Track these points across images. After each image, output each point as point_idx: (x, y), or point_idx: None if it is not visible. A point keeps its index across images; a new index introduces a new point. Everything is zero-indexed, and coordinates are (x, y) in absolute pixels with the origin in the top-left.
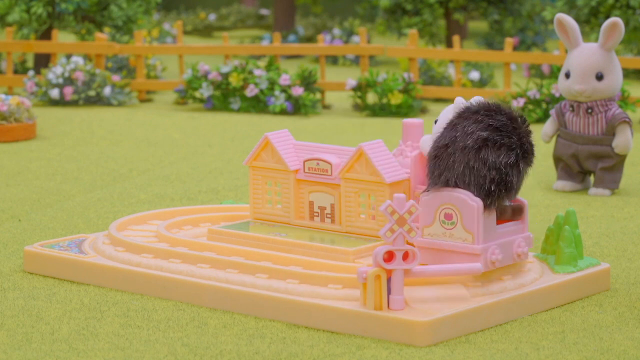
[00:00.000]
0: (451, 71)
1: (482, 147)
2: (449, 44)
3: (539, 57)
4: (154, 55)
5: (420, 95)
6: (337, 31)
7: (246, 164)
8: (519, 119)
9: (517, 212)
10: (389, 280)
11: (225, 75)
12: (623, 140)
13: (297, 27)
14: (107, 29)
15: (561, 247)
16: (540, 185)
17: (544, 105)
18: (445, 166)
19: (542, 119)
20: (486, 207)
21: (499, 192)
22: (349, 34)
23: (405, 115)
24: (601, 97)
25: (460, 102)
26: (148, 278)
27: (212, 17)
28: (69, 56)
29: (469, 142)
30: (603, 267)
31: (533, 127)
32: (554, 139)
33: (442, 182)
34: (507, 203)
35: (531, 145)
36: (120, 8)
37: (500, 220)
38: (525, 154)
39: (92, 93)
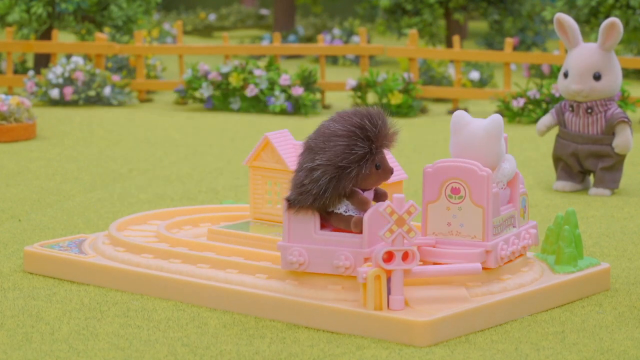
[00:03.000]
0: (451, 71)
1: None
2: (449, 44)
3: (539, 57)
4: (154, 55)
5: (420, 95)
6: (337, 31)
7: (246, 164)
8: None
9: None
10: (388, 280)
11: (225, 75)
12: (623, 140)
13: (297, 27)
14: (107, 29)
15: (561, 247)
16: (540, 185)
17: (544, 105)
18: None
19: None
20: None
21: None
22: (349, 34)
23: (405, 115)
24: (599, 97)
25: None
26: (148, 278)
27: (212, 17)
28: (69, 56)
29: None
30: (603, 267)
31: (533, 128)
32: (554, 139)
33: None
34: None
35: None
36: (120, 8)
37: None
38: None
39: (92, 93)
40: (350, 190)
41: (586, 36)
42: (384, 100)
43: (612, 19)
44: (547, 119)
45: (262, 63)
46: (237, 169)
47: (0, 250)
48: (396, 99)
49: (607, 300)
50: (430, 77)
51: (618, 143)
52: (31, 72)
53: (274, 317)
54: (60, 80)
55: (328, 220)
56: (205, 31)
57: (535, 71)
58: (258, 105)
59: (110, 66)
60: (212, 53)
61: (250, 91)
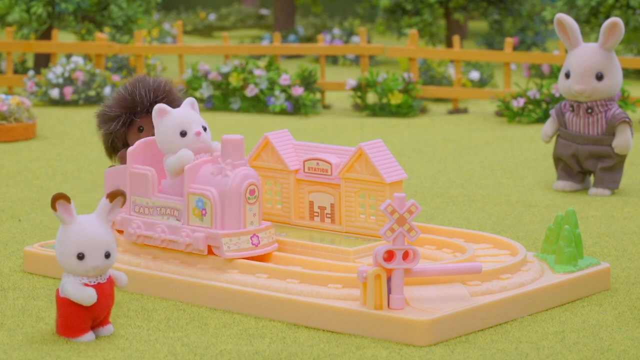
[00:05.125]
0: (451, 71)
1: None
2: (449, 44)
3: (539, 57)
4: (154, 55)
5: (420, 95)
6: (337, 31)
7: None
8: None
9: None
10: (389, 279)
11: (225, 75)
12: (623, 140)
13: (297, 27)
14: (107, 29)
15: (561, 246)
16: (540, 185)
17: (544, 105)
18: None
19: (542, 119)
20: None
21: None
22: (349, 34)
23: (405, 115)
24: (601, 97)
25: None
26: (148, 278)
27: (212, 17)
28: (69, 56)
29: None
30: (603, 267)
31: (533, 127)
32: (554, 139)
33: None
34: None
35: None
36: (120, 8)
37: None
38: None
39: (92, 93)
40: (118, 146)
41: (586, 36)
42: (384, 100)
43: (613, 18)
44: (548, 127)
45: (262, 63)
46: None
47: (0, 250)
48: (396, 99)
49: (607, 300)
50: (430, 77)
51: (618, 143)
52: (31, 72)
53: (274, 317)
54: (60, 80)
55: None
56: (205, 31)
57: (535, 71)
58: (258, 105)
59: (110, 66)
60: (212, 53)
61: (250, 91)
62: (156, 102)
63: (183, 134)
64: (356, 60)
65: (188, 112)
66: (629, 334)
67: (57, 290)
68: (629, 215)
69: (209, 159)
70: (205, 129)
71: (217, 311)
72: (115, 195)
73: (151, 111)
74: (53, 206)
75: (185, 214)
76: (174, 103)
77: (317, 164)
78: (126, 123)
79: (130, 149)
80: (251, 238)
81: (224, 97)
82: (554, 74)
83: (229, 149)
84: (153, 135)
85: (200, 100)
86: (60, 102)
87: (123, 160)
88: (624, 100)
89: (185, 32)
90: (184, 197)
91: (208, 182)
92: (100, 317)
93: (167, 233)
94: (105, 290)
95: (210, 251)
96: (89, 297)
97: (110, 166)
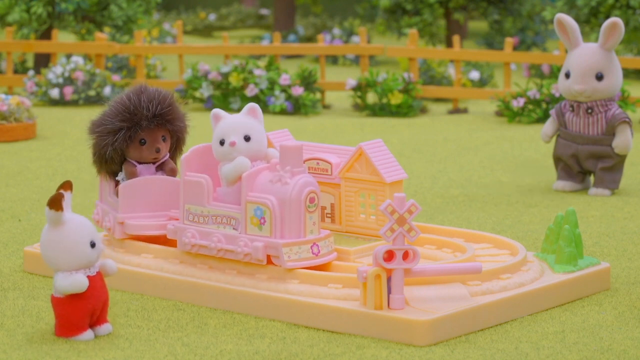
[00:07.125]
0: (451, 71)
1: None
2: (449, 44)
3: (539, 57)
4: (154, 55)
5: (420, 95)
6: (337, 31)
7: None
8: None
9: None
10: (389, 279)
11: (225, 75)
12: (623, 140)
13: (297, 27)
14: (107, 29)
15: (561, 246)
16: (540, 185)
17: (544, 105)
18: None
19: (542, 119)
20: None
21: None
22: (349, 34)
23: (405, 115)
24: (601, 97)
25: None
26: (148, 278)
27: (212, 17)
28: (69, 56)
29: None
30: (603, 267)
31: (533, 127)
32: (554, 139)
33: None
34: None
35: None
36: (120, 8)
37: None
38: None
39: (92, 93)
40: (121, 160)
41: (586, 36)
42: (384, 100)
43: (613, 19)
44: (548, 127)
45: (262, 63)
46: None
47: (0, 250)
48: (396, 99)
49: (607, 300)
50: (430, 77)
51: (618, 143)
52: (31, 72)
53: (274, 317)
54: (60, 80)
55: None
56: (205, 31)
57: (535, 71)
58: (258, 105)
59: (110, 66)
60: (212, 53)
61: (250, 91)
62: (160, 114)
63: (222, 142)
64: (356, 60)
65: (236, 120)
66: (629, 334)
67: (52, 296)
68: (629, 215)
69: (266, 167)
70: (248, 139)
71: (217, 311)
72: (68, 186)
73: (154, 123)
74: (59, 206)
75: (243, 223)
76: (177, 116)
77: (317, 163)
78: (128, 137)
79: (184, 155)
80: (311, 247)
81: (224, 97)
82: (554, 74)
83: (287, 156)
84: (155, 148)
85: (200, 100)
86: (60, 102)
87: (130, 175)
88: (624, 100)
89: (185, 32)
90: (241, 205)
91: (266, 190)
92: (97, 312)
93: (223, 242)
94: (96, 283)
95: (269, 261)
96: (80, 282)
97: (120, 179)
